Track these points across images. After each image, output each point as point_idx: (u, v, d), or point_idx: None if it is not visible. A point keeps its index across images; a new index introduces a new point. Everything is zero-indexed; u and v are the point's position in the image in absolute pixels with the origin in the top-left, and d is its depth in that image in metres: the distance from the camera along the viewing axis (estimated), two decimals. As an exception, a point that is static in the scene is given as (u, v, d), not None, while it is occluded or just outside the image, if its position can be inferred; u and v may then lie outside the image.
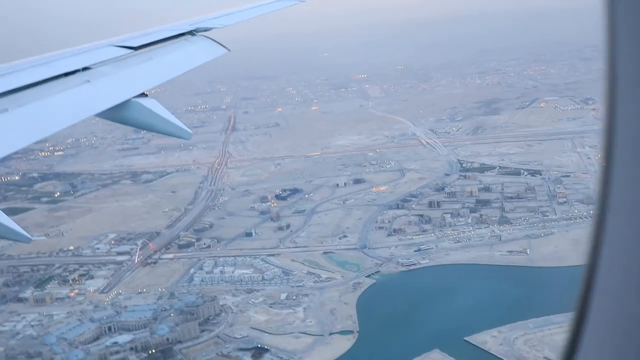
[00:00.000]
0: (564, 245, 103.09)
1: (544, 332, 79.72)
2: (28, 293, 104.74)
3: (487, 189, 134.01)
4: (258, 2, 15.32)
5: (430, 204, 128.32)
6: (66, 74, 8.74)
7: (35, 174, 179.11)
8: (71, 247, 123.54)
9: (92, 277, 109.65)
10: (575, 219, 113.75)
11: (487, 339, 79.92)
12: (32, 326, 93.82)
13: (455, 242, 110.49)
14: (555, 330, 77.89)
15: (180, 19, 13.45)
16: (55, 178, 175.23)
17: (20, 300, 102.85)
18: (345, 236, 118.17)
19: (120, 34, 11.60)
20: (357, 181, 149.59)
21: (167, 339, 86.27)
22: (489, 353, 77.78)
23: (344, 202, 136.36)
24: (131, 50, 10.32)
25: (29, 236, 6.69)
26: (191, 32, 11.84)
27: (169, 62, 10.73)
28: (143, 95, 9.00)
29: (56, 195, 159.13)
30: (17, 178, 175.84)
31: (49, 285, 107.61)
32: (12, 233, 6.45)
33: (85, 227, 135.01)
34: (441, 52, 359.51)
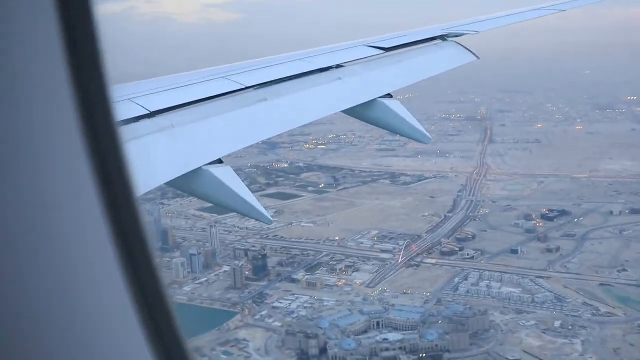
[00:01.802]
0: None
1: None
2: (300, 275, 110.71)
3: None
4: (514, 10, 14.35)
5: None
6: (321, 70, 9.05)
7: (301, 164, 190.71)
8: (337, 238, 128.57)
9: (357, 270, 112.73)
10: None
11: None
12: (305, 308, 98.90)
13: None
14: None
15: (435, 23, 13.03)
16: (319, 170, 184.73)
17: (293, 281, 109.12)
18: (624, 270, 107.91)
19: (375, 35, 11.58)
20: (635, 211, 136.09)
21: (437, 346, 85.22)
22: None
23: (620, 232, 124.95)
24: (382, 51, 10.43)
25: (270, 218, 6.88)
26: (442, 37, 11.60)
27: (416, 65, 10.82)
28: (388, 95, 9.08)
29: (320, 186, 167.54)
30: (285, 166, 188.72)
31: (318, 272, 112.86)
32: (256, 212, 6.64)
33: (348, 220, 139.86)
34: None
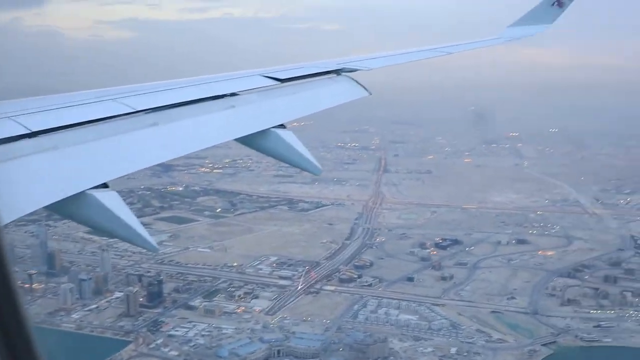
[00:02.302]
0: None
1: None
2: (197, 302, 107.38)
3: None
4: (406, 49, 15.29)
5: (607, 279, 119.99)
6: (215, 97, 9.10)
7: (197, 188, 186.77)
8: (235, 264, 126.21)
9: (256, 297, 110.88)
10: None
11: None
12: (203, 336, 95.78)
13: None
14: None
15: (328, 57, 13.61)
16: (216, 194, 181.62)
17: (190, 307, 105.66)
18: (513, 298, 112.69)
19: (270, 65, 11.79)
20: (521, 241, 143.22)
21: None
22: None
23: (508, 262, 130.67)
24: (277, 82, 10.56)
25: (156, 246, 6.82)
26: (337, 71, 11.90)
27: (311, 98, 10.93)
28: (281, 126, 9.11)
29: (217, 211, 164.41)
30: (180, 189, 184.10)
31: (215, 298, 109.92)
32: (141, 240, 6.32)
33: (246, 246, 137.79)
34: (599, 118, 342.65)
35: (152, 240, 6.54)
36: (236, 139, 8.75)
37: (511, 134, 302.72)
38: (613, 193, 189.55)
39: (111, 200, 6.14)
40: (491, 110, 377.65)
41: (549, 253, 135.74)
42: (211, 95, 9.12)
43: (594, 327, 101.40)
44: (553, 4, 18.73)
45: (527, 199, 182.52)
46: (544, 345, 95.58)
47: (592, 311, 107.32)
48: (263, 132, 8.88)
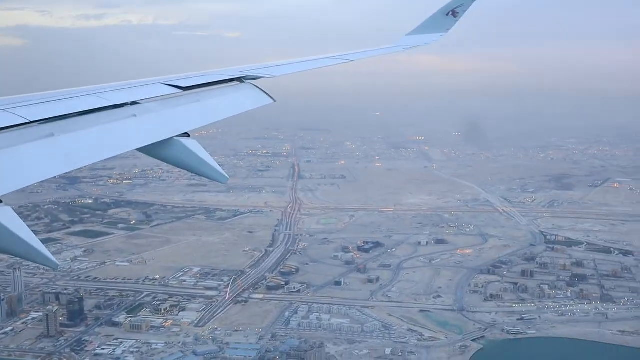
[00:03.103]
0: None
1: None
2: (121, 318, 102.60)
3: (579, 264, 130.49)
4: (308, 57, 15.79)
5: (524, 273, 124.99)
6: (115, 106, 8.99)
7: (107, 200, 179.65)
8: (156, 277, 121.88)
9: (183, 309, 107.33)
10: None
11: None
12: (132, 352, 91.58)
13: (559, 315, 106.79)
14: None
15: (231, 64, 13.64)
16: (128, 206, 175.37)
17: (114, 324, 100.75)
18: (439, 296, 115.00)
19: (171, 74, 11.84)
20: (439, 241, 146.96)
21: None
22: None
23: (430, 262, 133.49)
24: (180, 90, 10.57)
25: (57, 262, 6.55)
26: (240, 79, 12.04)
27: (214, 106, 10.99)
28: (185, 135, 9.11)
29: (132, 223, 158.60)
30: (90, 202, 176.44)
31: (141, 313, 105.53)
32: (40, 256, 6.09)
33: (166, 257, 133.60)
34: (496, 123, 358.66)
35: (52, 256, 6.05)
36: (139, 149, 8.39)
37: (417, 137, 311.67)
38: (519, 192, 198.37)
39: (5, 216, 5.72)
40: (397, 115, 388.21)
41: (467, 251, 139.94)
42: (111, 104, 8.80)
43: (518, 320, 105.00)
44: (448, 14, 19.16)
45: (440, 200, 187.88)
46: (473, 340, 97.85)
47: (514, 305, 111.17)
48: (166, 141, 8.59)
